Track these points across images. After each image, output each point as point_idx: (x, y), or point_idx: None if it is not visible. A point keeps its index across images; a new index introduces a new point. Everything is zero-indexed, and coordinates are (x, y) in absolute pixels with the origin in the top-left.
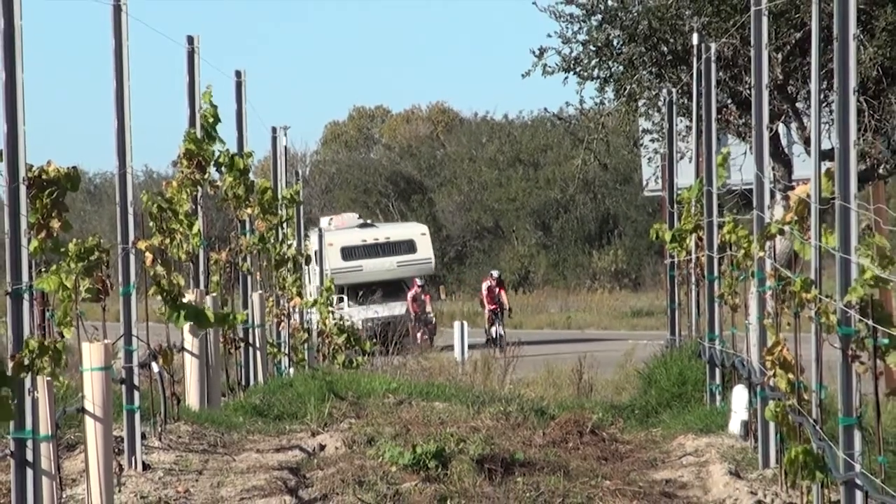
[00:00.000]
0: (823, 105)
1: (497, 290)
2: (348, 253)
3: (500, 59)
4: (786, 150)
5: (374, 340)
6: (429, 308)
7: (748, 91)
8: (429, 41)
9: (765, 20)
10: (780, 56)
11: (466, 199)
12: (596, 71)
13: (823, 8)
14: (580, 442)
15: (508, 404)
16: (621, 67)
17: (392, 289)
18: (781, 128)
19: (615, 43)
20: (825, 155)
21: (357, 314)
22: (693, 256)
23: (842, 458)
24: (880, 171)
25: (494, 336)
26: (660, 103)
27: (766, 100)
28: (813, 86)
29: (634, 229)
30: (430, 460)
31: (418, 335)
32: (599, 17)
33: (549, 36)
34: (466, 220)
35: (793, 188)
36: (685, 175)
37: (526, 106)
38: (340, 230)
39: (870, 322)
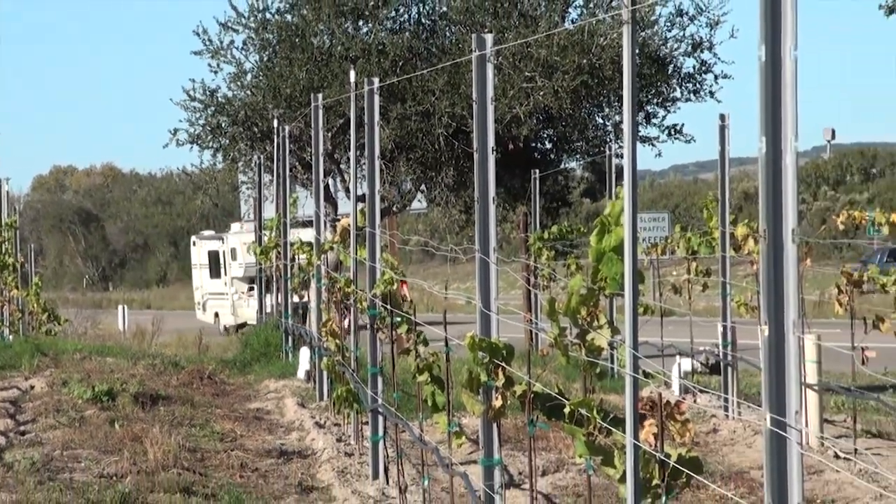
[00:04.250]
0: (358, 166)
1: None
2: None
3: (153, 129)
4: (334, 195)
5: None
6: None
7: (310, 157)
8: (104, 116)
9: (321, 111)
10: (329, 134)
11: (126, 226)
12: (211, 143)
13: (358, 103)
14: (201, 384)
15: (155, 359)
16: (227, 141)
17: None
18: (331, 181)
19: (223, 125)
20: (359, 198)
21: (266, 300)
22: (274, 264)
23: (370, 394)
24: (393, 209)
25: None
26: (253, 164)
27: (321, 163)
28: (351, 153)
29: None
30: (103, 396)
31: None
32: (213, 108)
33: (181, 121)
34: (126, 240)
35: (338, 220)
36: (269, 211)
37: (165, 163)
38: (251, 232)
39: (388, 307)
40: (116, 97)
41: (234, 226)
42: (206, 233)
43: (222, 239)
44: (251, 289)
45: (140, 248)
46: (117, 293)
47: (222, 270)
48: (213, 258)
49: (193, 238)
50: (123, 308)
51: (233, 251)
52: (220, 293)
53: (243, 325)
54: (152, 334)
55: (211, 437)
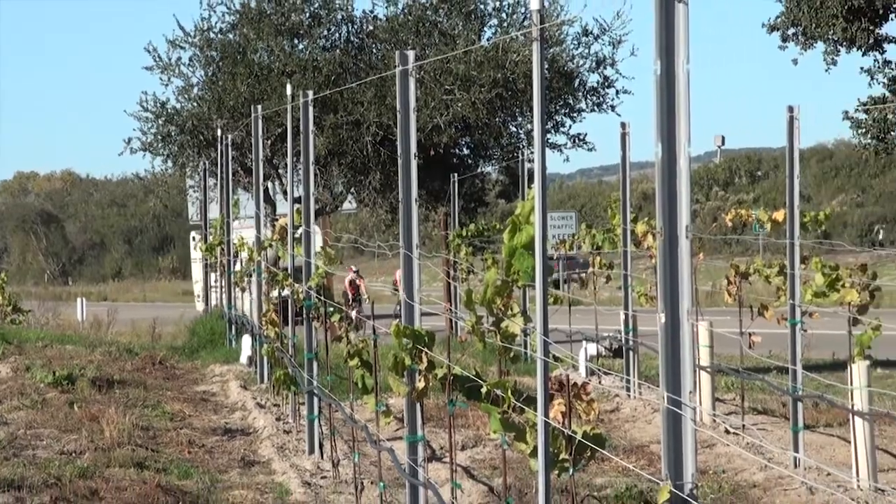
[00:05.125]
0: (294, 170)
1: (357, 281)
2: None
3: (108, 138)
4: (272, 197)
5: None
6: (363, 290)
7: (251, 162)
8: (64, 126)
9: (260, 121)
10: (269, 142)
11: (84, 226)
12: (161, 150)
13: (294, 114)
14: (153, 369)
15: (111, 346)
16: (176, 148)
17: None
18: (270, 184)
19: (173, 134)
20: (296, 200)
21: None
22: (219, 259)
23: (306, 377)
24: (326, 209)
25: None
26: (199, 169)
27: (261, 168)
28: (288, 159)
29: (184, 242)
30: (63, 380)
31: (353, 313)
32: (163, 118)
33: (134, 130)
34: (84, 238)
35: (277, 220)
36: (214, 212)
37: (119, 169)
38: (251, 228)
39: (322, 298)
40: (75, 108)
41: (234, 223)
42: None
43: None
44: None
45: (97, 246)
46: (76, 287)
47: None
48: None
49: (193, 233)
50: (82, 300)
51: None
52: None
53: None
54: (108, 324)
55: (162, 416)
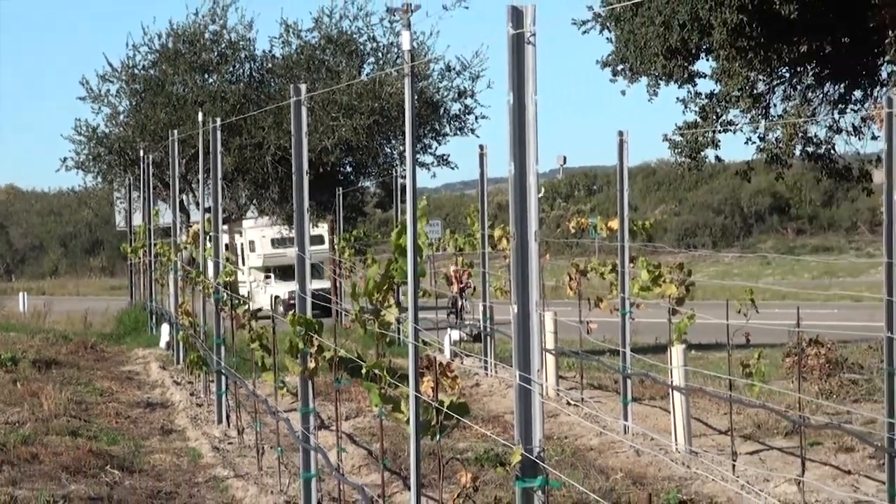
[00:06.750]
0: (205, 185)
1: (462, 272)
2: (277, 242)
3: (46, 156)
4: (187, 207)
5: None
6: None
7: (168, 178)
8: (7, 146)
9: (177, 144)
10: (183, 160)
11: (25, 231)
12: (92, 168)
13: (205, 137)
14: (85, 352)
15: (48, 333)
16: (105, 167)
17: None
18: (184, 196)
19: (102, 154)
20: (206, 209)
21: (281, 287)
22: (142, 259)
23: (215, 359)
24: (232, 218)
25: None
26: (125, 184)
27: (177, 182)
28: (200, 175)
29: (112, 245)
30: (7, 361)
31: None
32: (94, 141)
33: (69, 151)
34: (25, 242)
35: (190, 226)
36: (138, 219)
37: (56, 183)
38: (269, 227)
39: (230, 293)
40: (17, 131)
41: (247, 222)
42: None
43: (240, 233)
44: (267, 277)
45: (37, 248)
46: (19, 283)
47: (240, 261)
48: (232, 251)
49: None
50: (23, 294)
51: (251, 243)
52: (239, 282)
53: (258, 310)
54: (46, 314)
55: (93, 392)
